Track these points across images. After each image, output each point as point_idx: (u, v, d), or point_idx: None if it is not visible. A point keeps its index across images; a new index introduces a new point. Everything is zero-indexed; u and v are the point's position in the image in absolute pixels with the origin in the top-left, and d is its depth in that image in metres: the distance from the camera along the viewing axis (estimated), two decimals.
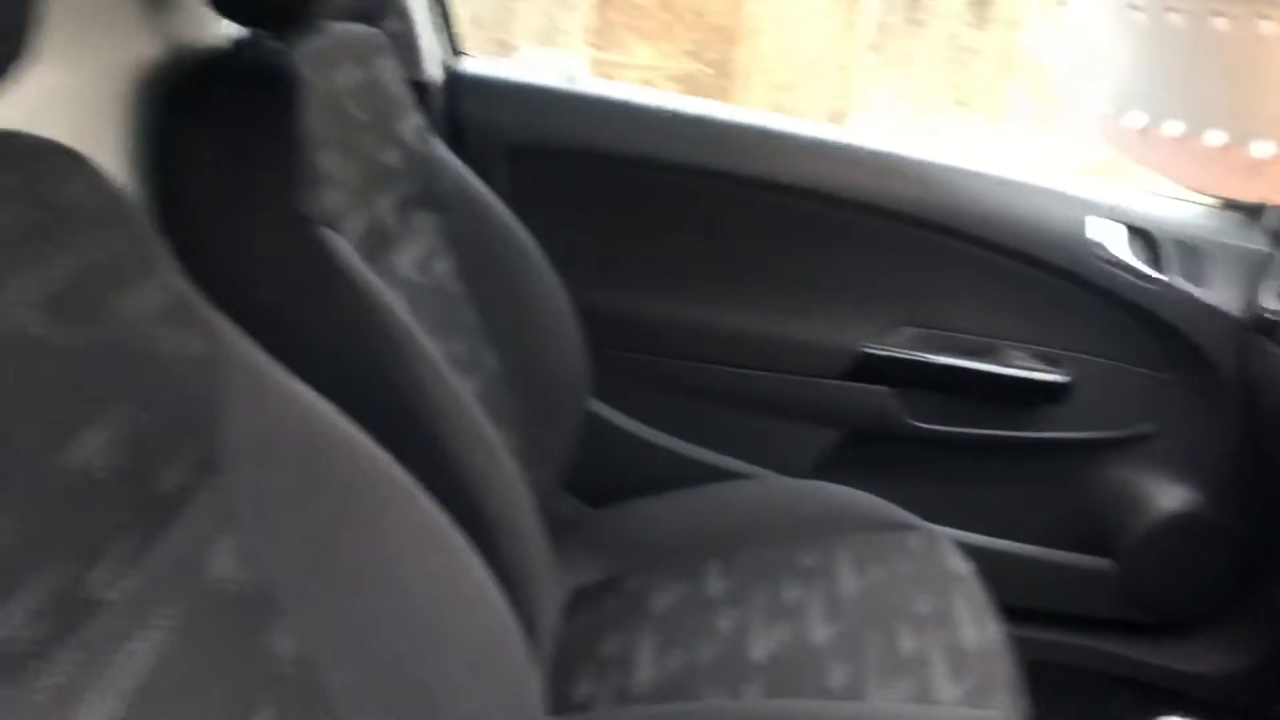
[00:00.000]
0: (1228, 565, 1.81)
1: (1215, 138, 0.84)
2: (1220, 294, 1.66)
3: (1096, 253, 1.64)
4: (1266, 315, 1.58)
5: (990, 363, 1.70)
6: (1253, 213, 1.73)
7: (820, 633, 1.29)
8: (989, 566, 1.44)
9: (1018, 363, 1.69)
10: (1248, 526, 1.77)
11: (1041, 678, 1.29)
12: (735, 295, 1.71)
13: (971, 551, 1.46)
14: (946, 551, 1.45)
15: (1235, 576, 1.83)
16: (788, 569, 1.42)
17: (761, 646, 1.28)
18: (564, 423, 1.47)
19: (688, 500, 1.60)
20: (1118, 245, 1.65)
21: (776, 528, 1.51)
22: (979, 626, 1.30)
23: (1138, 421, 1.75)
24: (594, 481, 1.64)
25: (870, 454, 1.77)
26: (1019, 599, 1.61)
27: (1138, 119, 0.90)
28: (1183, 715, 0.99)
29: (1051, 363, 1.70)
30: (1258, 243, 1.69)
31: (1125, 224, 1.66)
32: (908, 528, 1.49)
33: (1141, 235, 1.67)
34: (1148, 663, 1.84)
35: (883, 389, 1.71)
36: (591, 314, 1.48)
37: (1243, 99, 0.82)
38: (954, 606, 1.33)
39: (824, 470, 1.75)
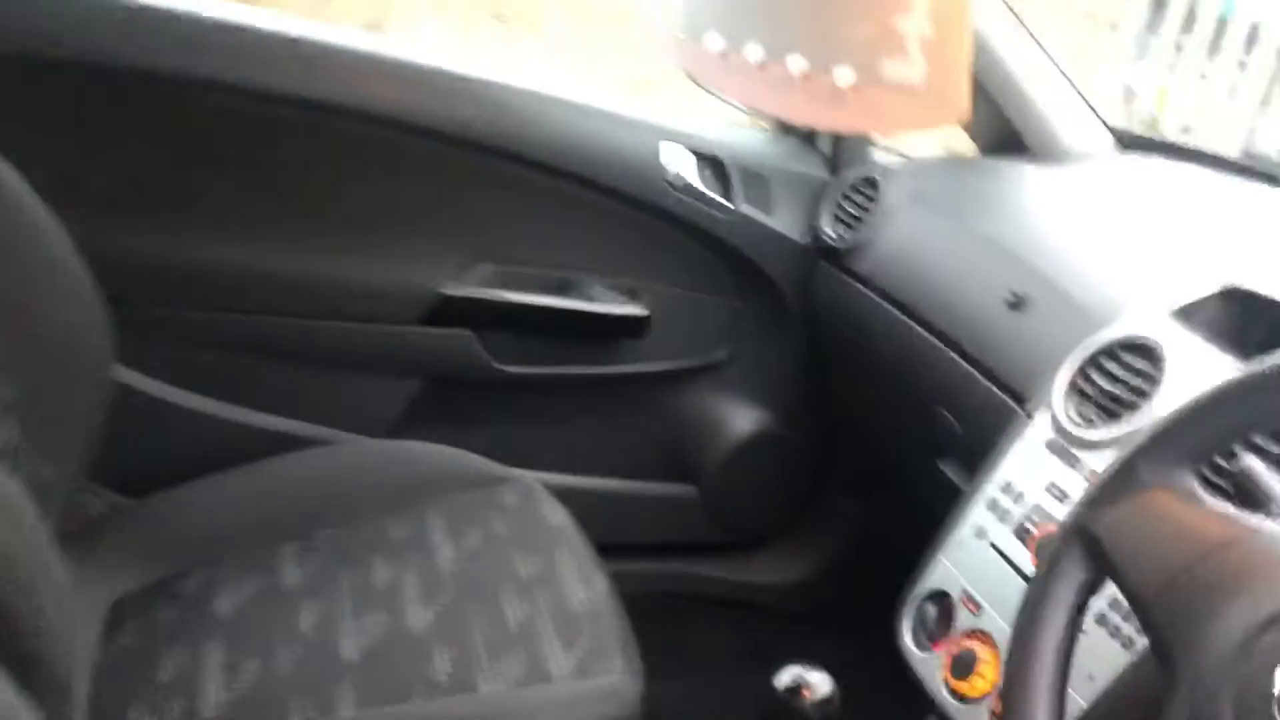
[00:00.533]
0: (796, 480, 1.91)
1: (796, 64, 0.79)
2: (785, 220, 1.70)
3: (672, 181, 1.61)
4: (826, 240, 1.65)
5: (571, 299, 1.62)
6: (808, 138, 1.78)
7: (419, 616, 1.16)
8: (582, 507, 1.38)
9: (598, 297, 1.63)
10: (812, 443, 1.87)
11: (642, 608, 1.25)
12: (290, 234, 1.48)
13: (564, 494, 1.39)
14: (542, 501, 1.36)
15: (803, 491, 1.94)
16: (375, 545, 1.27)
17: (353, 642, 1.12)
18: (82, 399, 1.19)
19: (251, 477, 1.37)
20: (690, 173, 1.63)
21: (358, 499, 1.34)
22: (586, 584, 1.23)
23: (713, 349, 1.77)
24: (130, 467, 1.36)
25: (453, 404, 1.65)
26: (613, 535, 1.58)
27: (716, 42, 0.83)
28: (806, 665, 0.98)
29: (631, 295, 1.66)
30: (815, 168, 1.75)
31: (695, 151, 1.65)
32: (500, 480, 1.39)
33: (711, 162, 1.67)
34: (731, 580, 1.91)
35: (463, 332, 1.58)
36: (107, 261, 1.18)
37: (824, 24, 0.77)
38: (558, 565, 1.25)
39: (405, 427, 1.61)
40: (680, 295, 1.71)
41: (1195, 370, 1.04)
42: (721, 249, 1.68)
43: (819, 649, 1.77)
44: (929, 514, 1.70)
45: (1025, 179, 1.56)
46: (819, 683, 0.96)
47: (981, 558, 1.12)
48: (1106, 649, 0.96)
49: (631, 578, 1.37)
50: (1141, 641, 0.93)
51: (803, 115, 0.85)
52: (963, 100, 0.72)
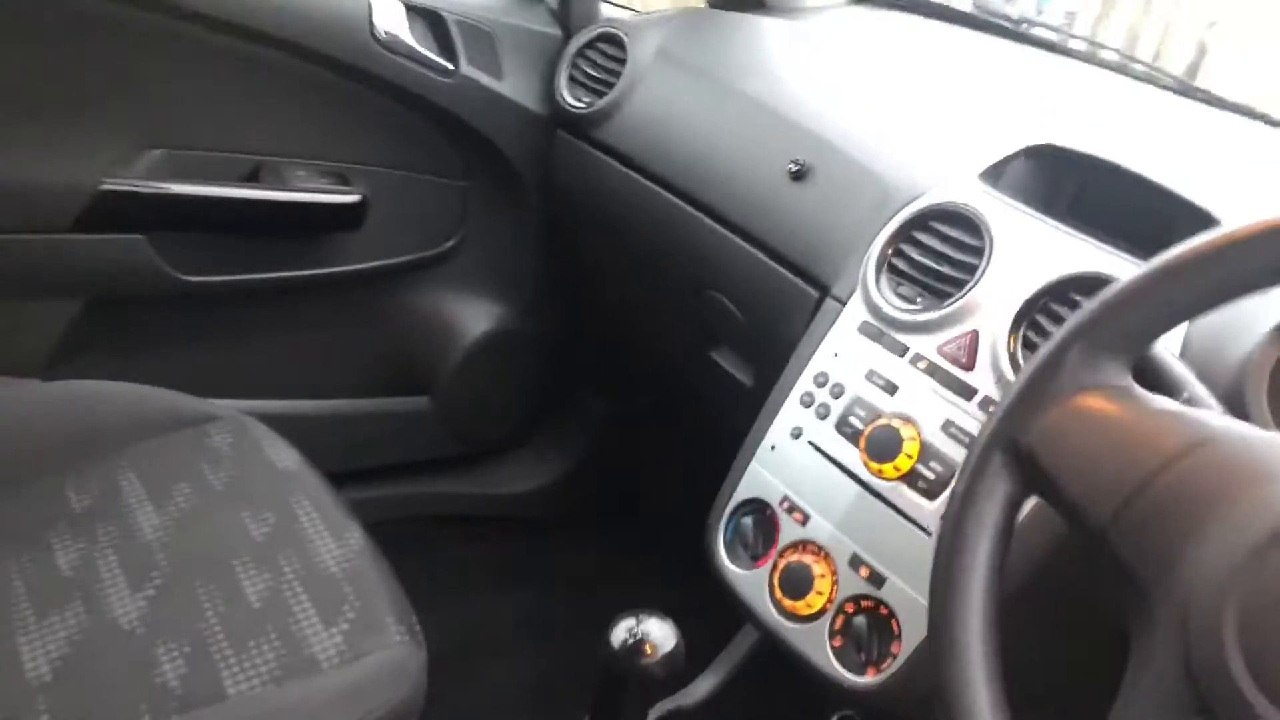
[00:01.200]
0: (540, 380, 1.74)
1: None
2: (516, 85, 1.47)
3: (382, 40, 1.33)
4: (566, 107, 1.44)
5: (267, 188, 1.33)
6: None
7: (127, 607, 0.90)
8: (304, 436, 1.15)
9: (300, 184, 1.35)
10: (555, 337, 1.70)
11: (385, 537, 1.05)
12: None
13: (282, 425, 1.15)
14: (261, 438, 1.11)
15: (548, 390, 1.77)
16: (53, 519, 0.98)
17: (43, 650, 0.85)
18: None
19: None
20: (403, 30, 1.36)
21: (20, 462, 1.03)
22: (336, 537, 1.01)
23: (439, 239, 1.54)
24: None
25: (127, 328, 1.32)
26: (342, 462, 1.35)
27: None
28: (640, 614, 0.83)
29: (340, 180, 1.39)
30: (544, 24, 1.52)
31: (409, 5, 1.37)
32: (204, 419, 1.12)
33: (428, 18, 1.40)
34: (478, 494, 1.73)
35: (132, 237, 1.25)
36: None
37: None
38: (298, 517, 1.02)
39: (65, 362, 1.27)
40: (398, 177, 1.45)
41: (1018, 237, 0.95)
42: (444, 120, 1.44)
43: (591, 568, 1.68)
44: (700, 407, 1.60)
45: (778, 34, 1.42)
46: (662, 637, 0.82)
47: (802, 460, 1.00)
48: None
49: (368, 506, 1.16)
50: None
51: None
52: None
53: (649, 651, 0.80)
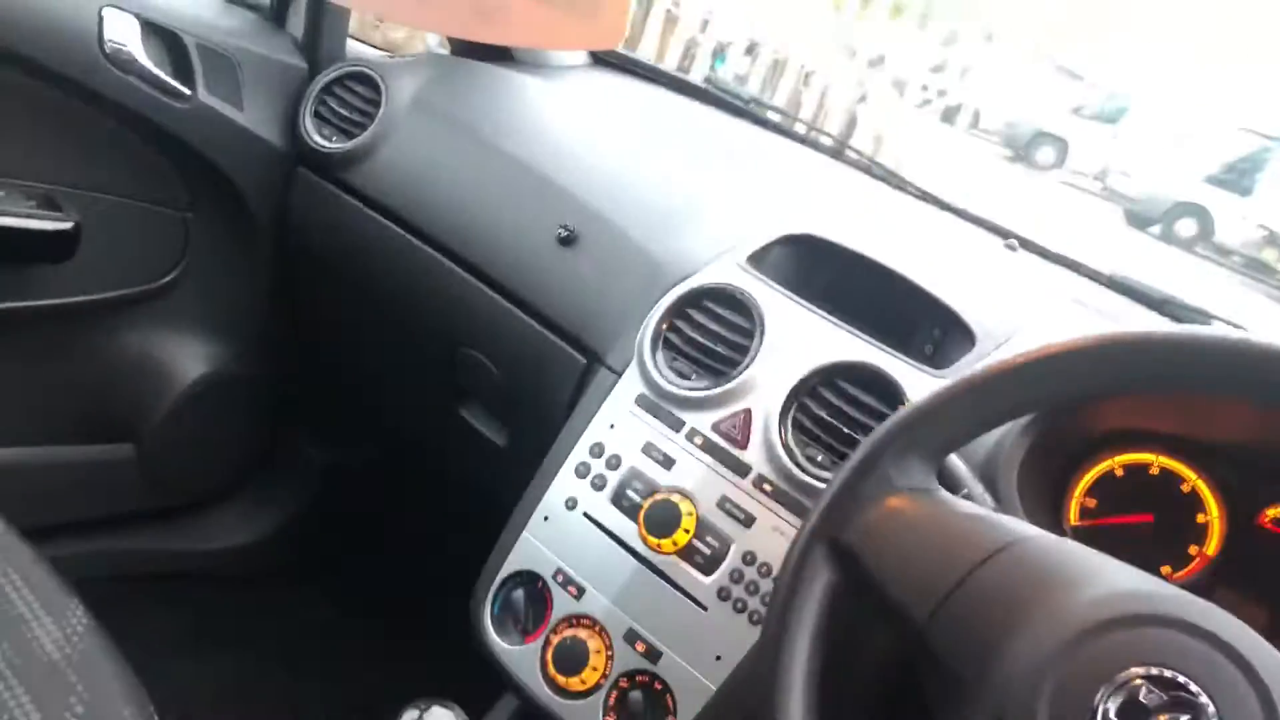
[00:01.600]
0: (255, 428, 1.62)
1: None
2: (257, 117, 1.37)
3: (111, 56, 1.20)
4: (314, 146, 1.36)
5: None
6: (279, 17, 1.45)
7: None
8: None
9: (4, 207, 1.19)
10: (275, 382, 1.60)
11: (84, 598, 0.95)
12: None
13: None
14: None
15: (264, 439, 1.65)
16: None
17: None
18: None
19: None
20: (136, 48, 1.23)
21: None
22: (53, 614, 0.89)
23: (156, 273, 1.40)
24: None
25: None
26: (35, 516, 1.19)
27: None
28: (425, 705, 0.78)
29: (51, 205, 1.24)
30: (289, 54, 1.43)
31: (146, 22, 1.25)
32: None
33: (164, 37, 1.28)
34: (180, 550, 1.58)
35: None
36: None
37: None
38: (6, 596, 0.89)
39: None
40: (115, 204, 1.31)
41: (786, 321, 1.01)
42: (172, 146, 1.32)
43: (286, 620, 1.57)
44: (441, 463, 1.54)
45: (534, 93, 1.41)
46: None
47: (577, 532, 1.00)
48: (732, 626, 0.91)
49: (65, 564, 1.04)
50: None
51: (448, 26, 0.71)
52: (623, 23, 0.60)
53: None
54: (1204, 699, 0.53)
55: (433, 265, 1.27)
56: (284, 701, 1.49)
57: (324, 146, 1.36)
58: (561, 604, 0.99)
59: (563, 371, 1.14)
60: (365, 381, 1.57)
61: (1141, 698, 0.54)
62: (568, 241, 1.18)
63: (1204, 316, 1.23)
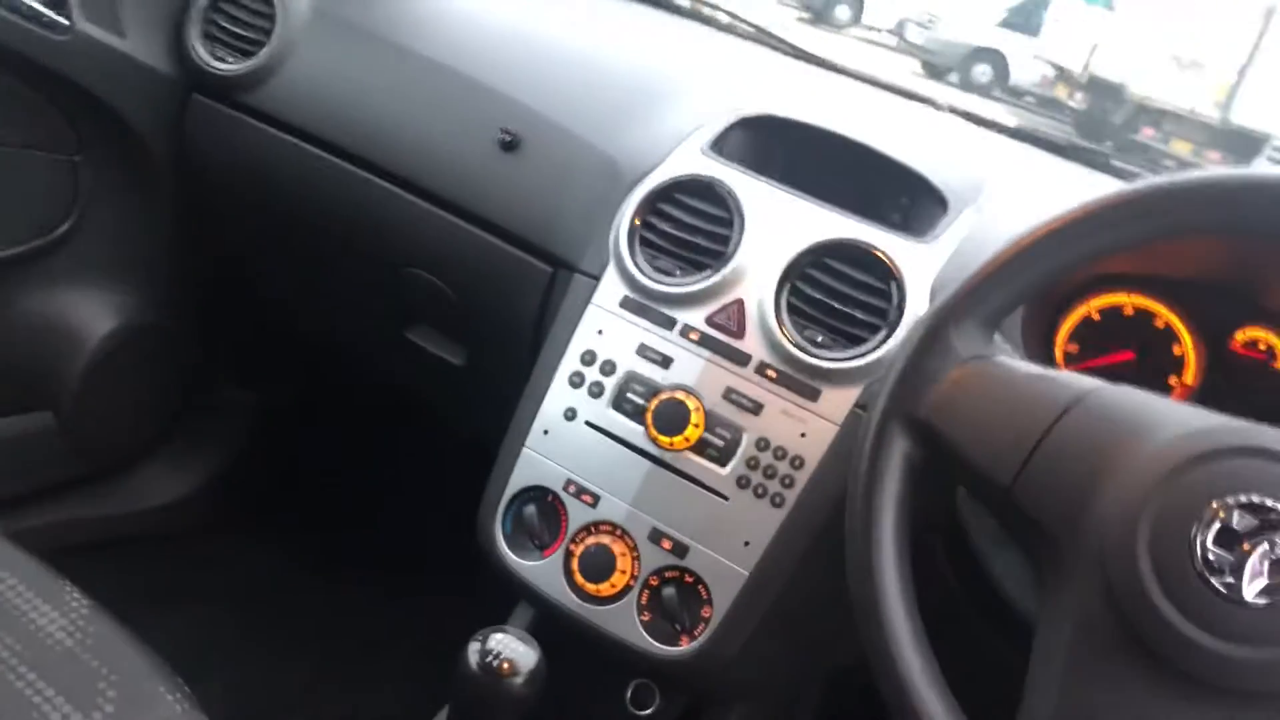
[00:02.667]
0: (177, 378, 1.53)
1: None
2: (141, 43, 1.25)
3: None
4: (208, 69, 1.26)
5: None
6: None
7: None
8: None
9: None
10: (193, 328, 1.50)
11: None
12: None
13: None
14: None
15: (185, 389, 1.56)
16: None
17: None
18: None
19: None
20: None
21: None
22: (52, 601, 0.84)
23: (48, 225, 1.29)
24: None
25: None
26: None
27: None
28: (497, 633, 0.76)
29: None
30: None
31: None
32: None
33: None
34: (111, 515, 1.49)
35: None
36: None
37: None
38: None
39: None
40: None
41: (764, 206, 1.00)
42: (53, 84, 1.20)
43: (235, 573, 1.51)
44: (391, 391, 1.48)
45: None
46: (523, 654, 0.77)
47: (582, 441, 0.99)
48: (755, 511, 0.93)
49: None
50: (791, 496, 0.92)
51: None
52: None
53: (507, 670, 0.76)
54: None
55: (362, 185, 1.21)
56: (252, 653, 1.45)
57: (219, 69, 1.26)
58: (577, 513, 0.98)
59: (526, 283, 1.11)
60: (296, 316, 1.50)
61: (1234, 524, 0.58)
62: (510, 146, 1.14)
63: (1103, 156, 1.30)
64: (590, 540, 0.97)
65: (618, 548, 0.96)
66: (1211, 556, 0.57)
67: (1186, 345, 0.96)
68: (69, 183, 1.28)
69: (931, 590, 0.93)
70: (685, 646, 0.94)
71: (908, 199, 1.07)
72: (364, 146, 1.21)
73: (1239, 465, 0.59)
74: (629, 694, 1.04)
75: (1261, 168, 0.63)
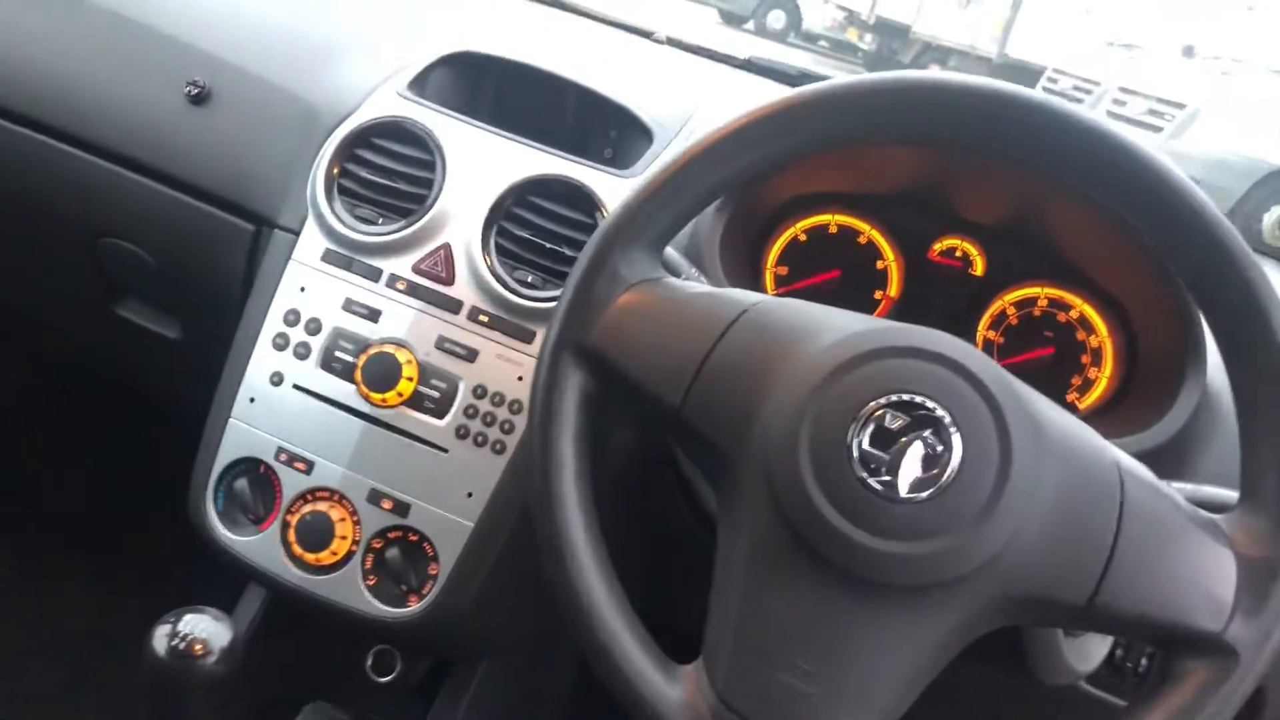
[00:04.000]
0: None
1: None
2: None
3: None
4: None
5: None
6: None
7: None
8: None
9: None
10: None
11: None
12: None
13: None
14: None
15: None
16: None
17: None
18: None
19: None
20: None
21: None
22: None
23: None
24: None
25: None
26: None
27: None
28: (183, 614, 0.71)
29: None
30: None
31: None
32: None
33: None
34: None
35: None
36: None
37: None
38: None
39: None
40: None
41: (464, 147, 0.96)
42: None
43: None
44: (109, 372, 1.37)
45: None
46: (215, 632, 0.71)
47: (291, 406, 0.93)
48: (476, 461, 0.90)
49: None
50: (512, 441, 0.89)
51: None
52: None
53: (200, 651, 0.71)
54: (940, 412, 0.58)
55: (44, 151, 1.10)
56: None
57: None
58: (291, 482, 0.93)
59: (229, 244, 1.04)
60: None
61: (887, 423, 0.58)
62: (200, 99, 1.06)
63: None
64: (306, 509, 0.92)
65: (336, 513, 0.92)
66: (868, 457, 0.58)
67: (889, 259, 0.99)
68: None
69: (676, 522, 0.94)
70: (414, 606, 0.91)
71: (615, 132, 1.05)
72: (41, 110, 1.10)
73: (890, 365, 0.60)
74: (369, 662, 1.00)
75: (895, 72, 0.64)
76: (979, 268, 0.97)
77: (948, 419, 0.58)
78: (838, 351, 0.61)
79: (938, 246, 0.98)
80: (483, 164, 0.96)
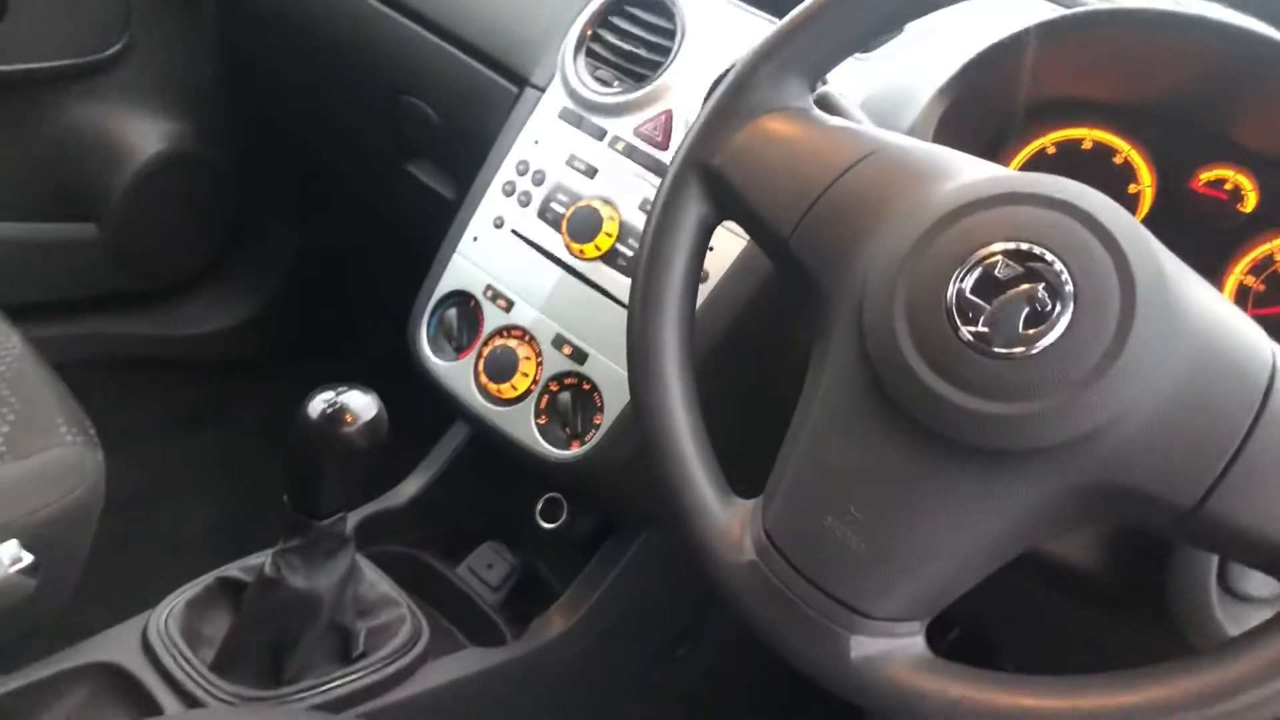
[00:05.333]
0: (221, 210, 1.61)
1: None
2: None
3: None
4: None
5: None
6: None
7: None
8: None
9: None
10: (238, 160, 1.58)
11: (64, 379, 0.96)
12: None
13: None
14: None
15: (229, 221, 1.64)
16: None
17: None
18: None
19: None
20: None
21: None
22: None
23: (100, 43, 1.37)
24: None
25: None
26: (12, 293, 1.20)
27: None
28: (336, 387, 0.79)
29: None
30: None
31: None
32: None
33: None
34: (154, 335, 1.59)
35: None
36: None
37: None
38: None
39: None
40: None
41: (707, 19, 0.96)
42: None
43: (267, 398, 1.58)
44: (397, 229, 1.52)
45: None
46: (363, 405, 0.79)
47: (505, 248, 0.99)
48: None
49: (45, 345, 1.05)
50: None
51: None
52: None
53: (349, 420, 0.78)
54: (1058, 266, 0.51)
55: (359, 9, 1.23)
56: (261, 478, 1.53)
57: None
58: (492, 317, 0.99)
59: (498, 105, 1.11)
60: (318, 153, 1.55)
61: (996, 272, 0.52)
62: None
63: None
64: (499, 343, 0.97)
65: (523, 351, 0.96)
66: (966, 304, 0.52)
67: (1144, 183, 0.87)
68: (121, 3, 1.36)
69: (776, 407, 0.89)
70: (574, 450, 0.93)
71: None
72: None
73: (1013, 212, 0.53)
74: (539, 507, 1.04)
75: None
76: (1250, 203, 0.83)
77: (1065, 275, 0.51)
78: (959, 194, 0.55)
79: (1204, 175, 0.85)
80: (719, 37, 0.95)
